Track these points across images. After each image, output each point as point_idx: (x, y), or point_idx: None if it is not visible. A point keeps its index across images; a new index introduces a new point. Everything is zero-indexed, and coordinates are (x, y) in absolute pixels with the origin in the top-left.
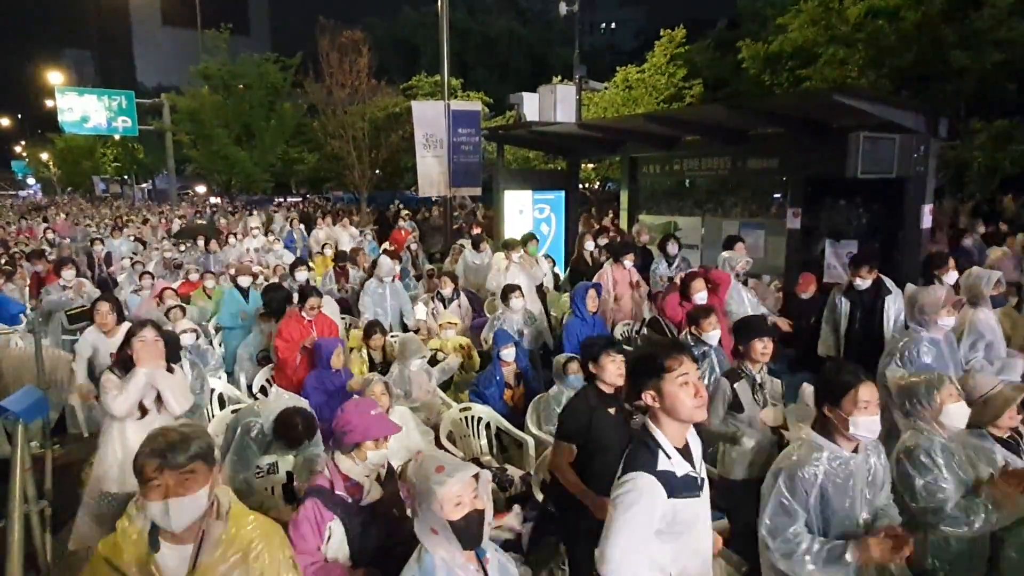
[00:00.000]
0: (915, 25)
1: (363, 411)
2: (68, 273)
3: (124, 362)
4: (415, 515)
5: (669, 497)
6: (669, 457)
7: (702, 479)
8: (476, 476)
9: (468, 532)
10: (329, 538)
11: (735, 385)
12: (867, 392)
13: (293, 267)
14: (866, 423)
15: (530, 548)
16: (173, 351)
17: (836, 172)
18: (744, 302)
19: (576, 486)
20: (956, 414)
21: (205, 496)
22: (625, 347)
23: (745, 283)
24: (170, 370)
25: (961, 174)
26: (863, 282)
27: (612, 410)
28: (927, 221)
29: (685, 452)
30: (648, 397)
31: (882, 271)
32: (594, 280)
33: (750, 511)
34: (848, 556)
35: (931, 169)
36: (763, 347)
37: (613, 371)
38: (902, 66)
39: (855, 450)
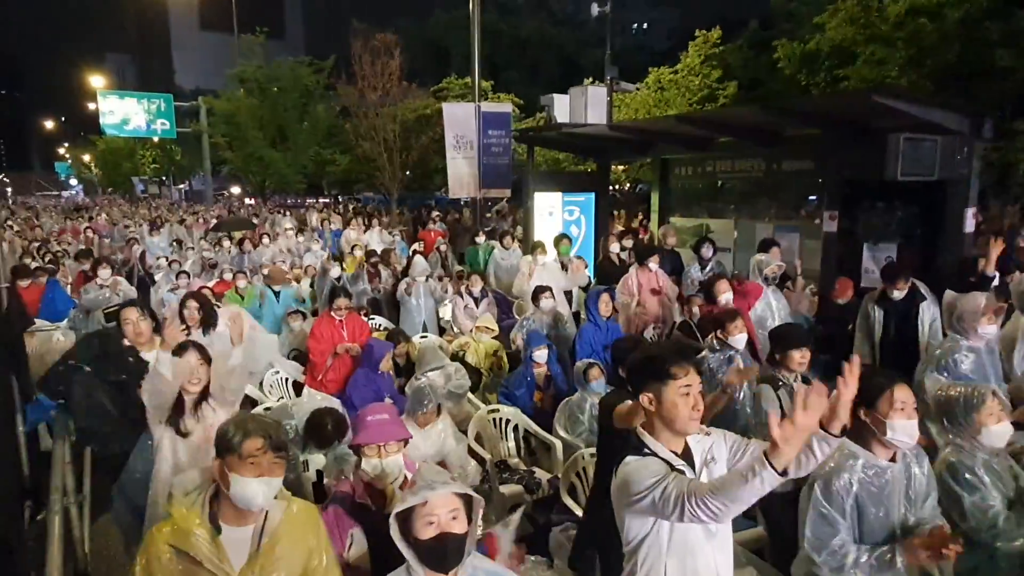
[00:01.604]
0: (957, 23)
1: (367, 415)
2: (104, 272)
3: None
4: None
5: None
6: (656, 454)
7: None
8: (468, 497)
9: (435, 554)
10: (351, 545)
11: (777, 393)
12: (903, 393)
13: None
14: (903, 426)
15: (576, 566)
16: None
17: (875, 174)
18: (772, 306)
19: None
20: (997, 435)
21: (281, 483)
22: None
23: (781, 287)
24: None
25: (1006, 176)
26: (899, 293)
27: None
28: (970, 225)
29: (684, 456)
30: (646, 399)
31: (923, 276)
32: (620, 283)
33: (790, 523)
34: (898, 560)
35: (974, 171)
36: (801, 356)
37: None
38: (944, 65)
39: (892, 459)
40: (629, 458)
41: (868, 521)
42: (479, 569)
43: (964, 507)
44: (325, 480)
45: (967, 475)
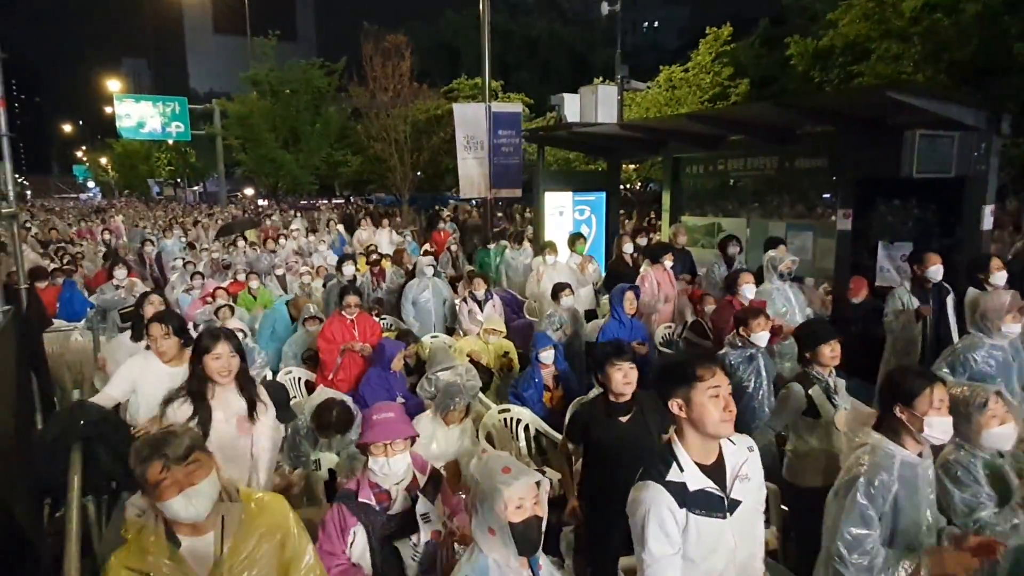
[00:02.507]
0: (975, 17)
1: (373, 414)
2: (120, 273)
3: (197, 396)
4: (474, 513)
5: (681, 507)
6: (682, 470)
7: (733, 501)
8: (538, 483)
9: (526, 537)
10: (352, 543)
11: (809, 391)
12: (941, 392)
13: (341, 263)
14: (940, 424)
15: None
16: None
17: (890, 172)
18: (792, 301)
19: (565, 478)
20: (999, 437)
21: (216, 481)
22: (664, 350)
23: (787, 276)
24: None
25: None
26: (937, 269)
27: (624, 418)
28: (988, 222)
29: (714, 469)
30: (675, 405)
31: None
32: (637, 282)
33: (814, 523)
34: (924, 570)
35: (993, 168)
36: (831, 351)
37: (619, 380)
38: (962, 60)
39: (919, 454)
40: (640, 485)
41: (903, 520)
42: (540, 555)
43: (954, 503)
44: (338, 479)
45: (959, 472)
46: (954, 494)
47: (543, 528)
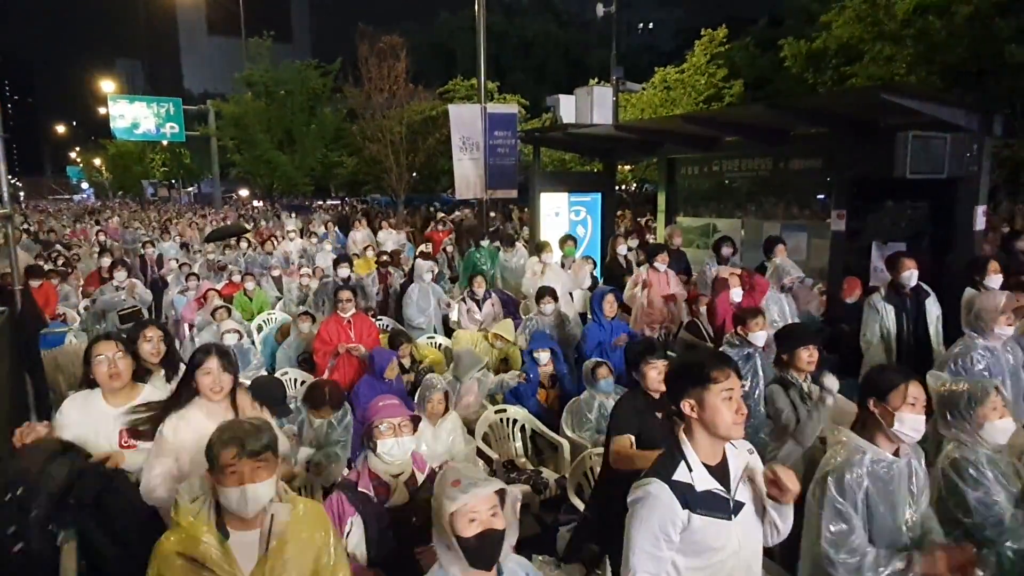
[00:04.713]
0: (967, 19)
1: (378, 401)
2: (120, 274)
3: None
4: (435, 528)
5: (684, 508)
6: (691, 470)
7: (738, 503)
8: (502, 492)
9: (479, 551)
10: (349, 532)
11: (788, 395)
12: (916, 390)
13: (336, 264)
14: (912, 421)
15: (569, 556)
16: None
17: (883, 172)
18: (785, 312)
19: (644, 459)
20: (999, 430)
21: (274, 484)
22: (669, 352)
23: (788, 290)
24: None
25: (1017, 173)
26: (911, 275)
27: (661, 414)
28: (980, 223)
29: (719, 470)
30: (687, 406)
31: (934, 275)
32: (629, 283)
33: (797, 522)
34: (917, 568)
35: (985, 169)
36: (808, 356)
37: (654, 377)
38: (954, 62)
39: (896, 453)
40: (645, 481)
41: (878, 518)
42: (511, 559)
43: (969, 503)
44: (309, 474)
45: (971, 470)
46: (967, 493)
47: (503, 540)
